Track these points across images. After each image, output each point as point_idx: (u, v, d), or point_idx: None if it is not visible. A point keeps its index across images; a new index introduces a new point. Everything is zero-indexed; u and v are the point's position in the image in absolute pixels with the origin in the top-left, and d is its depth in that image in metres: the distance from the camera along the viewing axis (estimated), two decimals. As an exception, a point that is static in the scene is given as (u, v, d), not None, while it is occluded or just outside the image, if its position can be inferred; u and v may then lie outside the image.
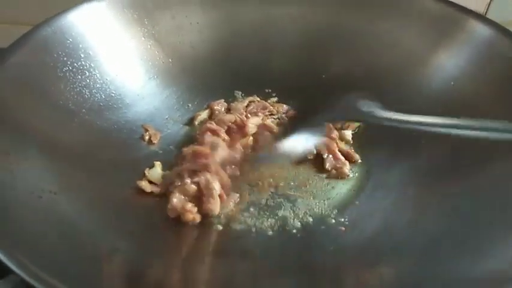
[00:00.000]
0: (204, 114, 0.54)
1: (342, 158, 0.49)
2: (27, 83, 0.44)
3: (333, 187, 0.47)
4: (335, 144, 0.50)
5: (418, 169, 0.45)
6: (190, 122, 0.54)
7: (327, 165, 0.49)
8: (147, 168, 0.46)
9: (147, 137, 0.50)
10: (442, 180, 0.43)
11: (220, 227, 0.42)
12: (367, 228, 0.42)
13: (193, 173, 0.43)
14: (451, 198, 0.42)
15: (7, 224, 0.33)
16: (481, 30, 0.48)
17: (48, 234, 0.34)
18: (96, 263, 0.35)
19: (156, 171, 0.46)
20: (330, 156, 0.49)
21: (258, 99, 0.56)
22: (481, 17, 0.49)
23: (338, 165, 0.48)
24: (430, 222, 0.41)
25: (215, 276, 0.38)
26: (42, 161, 0.40)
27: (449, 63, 0.50)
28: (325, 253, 0.40)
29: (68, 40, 0.48)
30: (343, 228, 0.43)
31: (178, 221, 0.42)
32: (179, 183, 0.43)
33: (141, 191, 0.44)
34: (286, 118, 0.54)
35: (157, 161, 0.47)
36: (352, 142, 0.52)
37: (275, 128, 0.52)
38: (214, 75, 0.57)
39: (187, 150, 0.45)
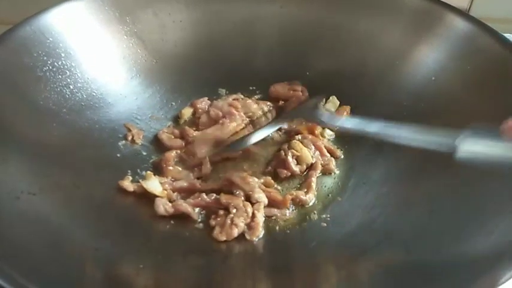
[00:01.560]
0: (188, 113, 0.54)
1: (328, 154, 0.49)
2: (7, 82, 0.44)
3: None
4: (321, 141, 0.50)
5: (399, 165, 0.46)
6: (174, 120, 0.54)
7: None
8: (144, 181, 0.44)
9: (130, 137, 0.50)
10: (424, 176, 0.44)
11: (201, 226, 0.43)
12: (349, 223, 0.43)
13: None
14: (432, 193, 0.42)
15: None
16: (461, 26, 0.48)
17: (25, 236, 0.34)
18: (76, 263, 0.35)
19: (154, 182, 0.45)
20: (317, 152, 0.49)
21: (242, 96, 0.56)
22: (461, 13, 0.49)
23: (324, 162, 0.49)
24: (411, 217, 0.41)
25: (197, 275, 0.38)
26: (22, 161, 0.40)
27: (430, 58, 0.50)
28: (307, 249, 0.41)
29: (48, 39, 0.48)
30: (325, 224, 0.43)
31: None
32: None
33: (123, 191, 0.44)
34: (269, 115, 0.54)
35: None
36: (334, 138, 0.52)
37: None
38: (198, 73, 0.57)
39: None
